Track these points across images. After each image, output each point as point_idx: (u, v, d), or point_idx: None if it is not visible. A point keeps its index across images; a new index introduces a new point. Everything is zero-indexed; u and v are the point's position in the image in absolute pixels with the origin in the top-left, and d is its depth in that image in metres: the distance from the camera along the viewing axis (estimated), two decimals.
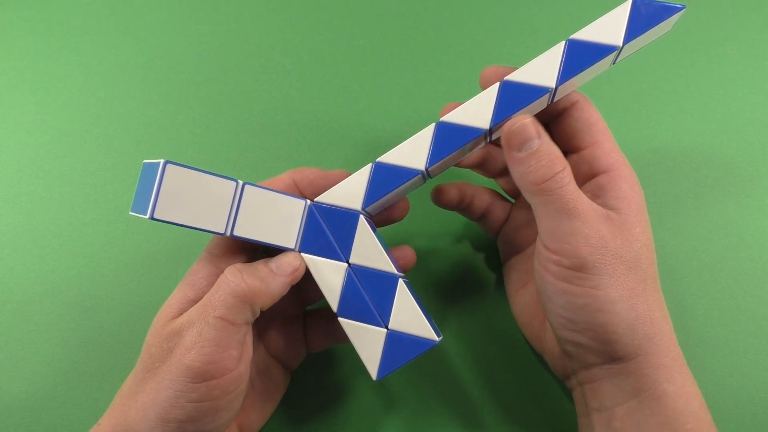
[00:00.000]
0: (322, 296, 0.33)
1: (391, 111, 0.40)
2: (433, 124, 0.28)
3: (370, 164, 0.29)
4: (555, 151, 0.27)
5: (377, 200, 0.29)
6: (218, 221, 0.27)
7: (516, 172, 0.28)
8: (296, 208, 0.29)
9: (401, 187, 0.29)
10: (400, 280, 0.29)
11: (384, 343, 0.28)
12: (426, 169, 0.28)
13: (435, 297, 0.37)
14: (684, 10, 0.27)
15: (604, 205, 0.28)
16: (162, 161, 0.25)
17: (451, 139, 0.28)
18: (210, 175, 0.26)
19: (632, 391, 0.27)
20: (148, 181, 0.26)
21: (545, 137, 0.27)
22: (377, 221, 0.32)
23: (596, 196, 0.28)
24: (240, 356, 0.27)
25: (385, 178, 0.29)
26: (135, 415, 0.26)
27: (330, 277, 0.29)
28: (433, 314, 0.36)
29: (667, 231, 0.37)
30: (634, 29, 0.27)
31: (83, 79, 0.42)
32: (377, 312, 0.29)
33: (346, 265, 0.29)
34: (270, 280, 0.27)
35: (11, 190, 0.39)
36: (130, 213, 0.27)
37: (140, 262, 0.38)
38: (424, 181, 0.31)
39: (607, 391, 0.28)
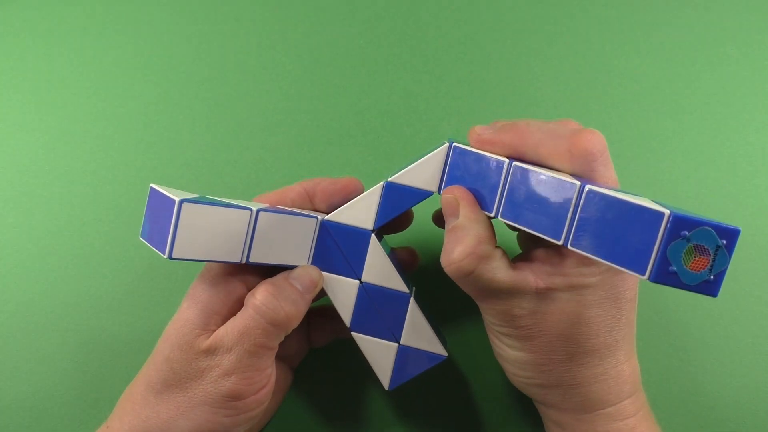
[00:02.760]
0: (323, 294, 0.34)
1: (391, 111, 0.40)
2: (446, 144, 0.28)
3: (382, 183, 0.29)
4: (461, 238, 0.26)
5: (388, 220, 0.29)
6: (234, 251, 0.26)
7: None
8: (308, 227, 0.29)
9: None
10: (412, 299, 0.29)
11: (395, 356, 0.29)
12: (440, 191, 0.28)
13: (436, 296, 0.37)
14: None
15: (551, 275, 0.26)
16: (177, 200, 0.24)
17: (467, 161, 0.27)
18: (225, 208, 0.26)
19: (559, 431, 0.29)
20: (160, 213, 0.25)
21: (463, 219, 0.26)
22: (383, 230, 0.33)
23: (551, 264, 0.26)
24: (272, 371, 0.28)
25: (396, 198, 0.29)
26: (157, 425, 0.26)
27: (343, 293, 0.29)
28: (435, 312, 0.36)
29: None
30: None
31: (83, 79, 0.42)
32: (389, 328, 0.29)
33: (358, 282, 0.29)
34: (300, 302, 0.28)
35: (11, 190, 0.39)
36: (140, 238, 0.26)
37: (140, 262, 0.38)
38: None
39: (546, 421, 0.30)
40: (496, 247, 0.27)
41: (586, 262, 0.25)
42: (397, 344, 0.29)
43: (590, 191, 0.22)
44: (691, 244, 0.19)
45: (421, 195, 0.28)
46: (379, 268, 0.29)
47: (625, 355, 0.27)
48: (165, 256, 0.24)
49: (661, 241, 0.19)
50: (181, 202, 0.24)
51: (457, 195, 0.27)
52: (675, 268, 0.20)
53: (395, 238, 0.37)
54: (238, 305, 0.28)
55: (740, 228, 0.20)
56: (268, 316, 0.26)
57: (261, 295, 0.27)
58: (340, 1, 0.43)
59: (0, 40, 0.43)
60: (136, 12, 0.43)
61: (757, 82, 0.40)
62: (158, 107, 0.41)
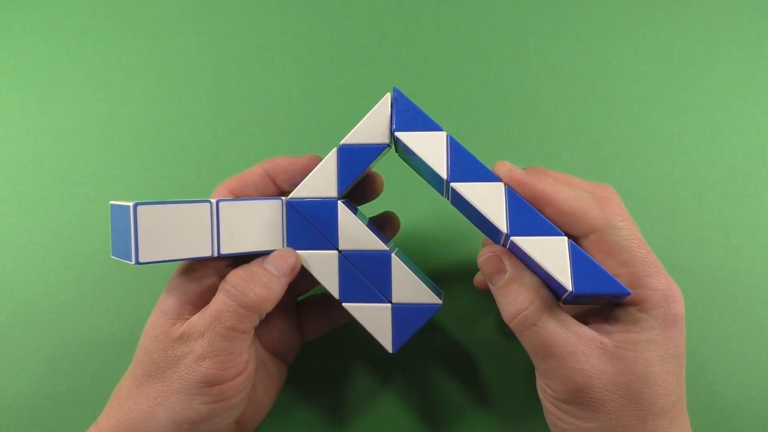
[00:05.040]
0: (312, 286, 0.33)
1: None
2: (388, 94, 0.28)
3: (335, 149, 0.29)
4: (521, 286, 0.26)
5: (351, 183, 0.29)
6: (203, 246, 0.27)
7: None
8: (274, 210, 0.29)
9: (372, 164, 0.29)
10: (393, 255, 0.29)
11: (391, 317, 0.29)
12: (391, 143, 0.28)
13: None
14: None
15: (611, 333, 0.26)
16: (131, 204, 0.25)
17: (413, 110, 0.28)
18: (182, 204, 0.26)
19: None
20: (122, 224, 0.26)
21: (513, 270, 0.26)
22: (354, 200, 0.32)
23: (608, 323, 0.27)
24: (249, 357, 0.28)
25: (352, 159, 0.28)
26: (138, 416, 0.26)
27: (324, 267, 0.29)
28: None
29: (667, 231, 0.37)
30: None
31: (83, 79, 0.42)
32: (378, 290, 0.29)
33: (336, 252, 0.29)
34: (273, 285, 0.28)
35: (11, 190, 0.39)
36: (112, 257, 0.27)
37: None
38: (391, 148, 0.30)
39: None
40: None
41: (642, 316, 0.25)
42: (389, 304, 0.29)
43: (512, 243, 0.26)
44: (591, 298, 0.26)
45: (376, 150, 0.28)
46: (353, 233, 0.29)
47: (685, 415, 0.26)
48: (132, 263, 0.25)
49: (568, 296, 0.25)
50: (136, 205, 0.25)
51: (495, 251, 0.27)
52: (584, 302, 0.27)
53: (372, 209, 0.36)
54: (213, 294, 0.28)
55: (631, 292, 0.25)
56: (238, 298, 0.27)
57: (231, 279, 0.27)
58: (340, 1, 0.43)
59: (0, 40, 0.43)
60: (137, 12, 0.43)
61: (757, 82, 0.40)
62: (158, 107, 0.41)
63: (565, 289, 0.25)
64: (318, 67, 0.42)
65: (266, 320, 0.32)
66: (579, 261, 0.25)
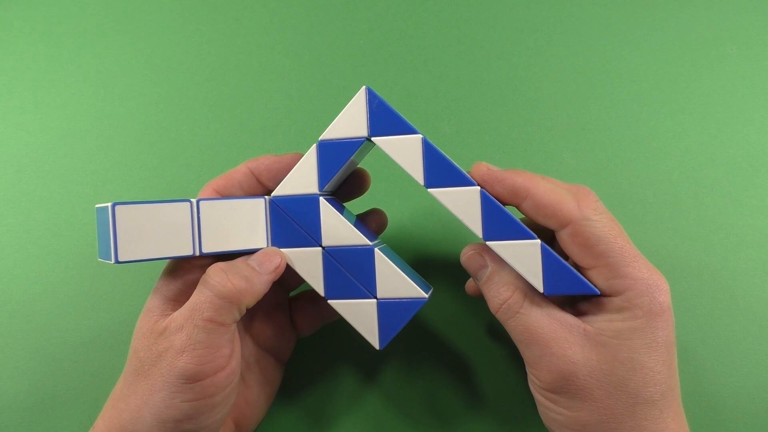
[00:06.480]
0: (303, 281, 0.34)
1: None
2: (363, 88, 0.28)
3: (314, 145, 0.29)
4: (503, 277, 0.27)
5: (332, 178, 0.29)
6: (184, 245, 0.27)
7: None
8: (257, 208, 0.29)
9: (352, 158, 0.29)
10: (376, 249, 0.29)
11: (377, 313, 0.29)
12: (369, 136, 0.28)
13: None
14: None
15: (595, 322, 0.26)
16: (110, 204, 0.25)
17: (388, 112, 0.28)
18: (162, 203, 0.26)
19: None
20: (103, 225, 0.26)
21: (494, 264, 0.28)
22: (342, 197, 0.32)
23: (592, 312, 0.27)
24: (231, 353, 0.27)
25: (332, 154, 0.29)
26: (128, 416, 0.26)
27: (309, 264, 0.29)
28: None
29: (667, 231, 0.37)
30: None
31: (83, 79, 0.42)
32: (363, 285, 0.29)
33: (320, 249, 0.29)
34: (254, 279, 0.27)
35: (11, 190, 0.39)
36: (99, 260, 0.27)
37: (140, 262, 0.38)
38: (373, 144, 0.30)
39: None
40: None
41: (626, 305, 0.26)
42: (375, 300, 0.29)
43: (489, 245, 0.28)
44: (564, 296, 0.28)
45: (355, 144, 0.28)
46: (336, 228, 0.29)
47: (679, 406, 0.26)
48: (112, 262, 0.25)
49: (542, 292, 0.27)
50: (114, 205, 0.25)
51: (476, 249, 0.28)
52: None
53: (360, 206, 0.36)
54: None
55: (599, 292, 0.26)
56: (216, 289, 0.26)
57: (211, 271, 0.27)
58: (340, 1, 0.43)
59: (0, 40, 0.43)
60: (137, 12, 0.43)
61: (757, 82, 0.40)
62: (158, 107, 0.41)
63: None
64: (318, 67, 0.41)
65: (259, 317, 0.32)
66: (550, 263, 0.26)
